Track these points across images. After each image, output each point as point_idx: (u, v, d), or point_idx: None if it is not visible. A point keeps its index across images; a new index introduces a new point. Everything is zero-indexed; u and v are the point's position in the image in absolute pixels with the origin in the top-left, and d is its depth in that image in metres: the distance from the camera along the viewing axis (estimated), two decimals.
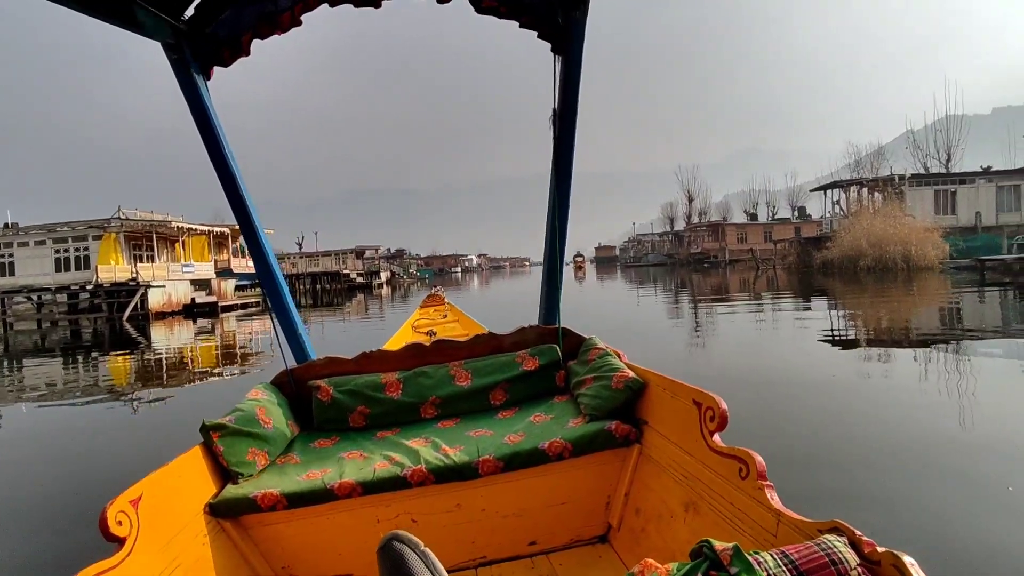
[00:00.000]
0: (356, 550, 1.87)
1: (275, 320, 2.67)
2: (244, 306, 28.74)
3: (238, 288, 37.84)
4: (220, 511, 1.79)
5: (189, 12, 2.21)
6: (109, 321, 21.94)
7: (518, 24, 2.38)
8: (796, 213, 64.82)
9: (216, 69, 2.37)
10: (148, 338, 17.66)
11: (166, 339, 16.85)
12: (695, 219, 74.49)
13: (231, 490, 1.84)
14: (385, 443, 2.18)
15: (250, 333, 17.31)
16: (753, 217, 68.11)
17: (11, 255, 30.31)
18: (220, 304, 25.57)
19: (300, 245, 77.12)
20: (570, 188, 2.66)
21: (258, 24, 2.24)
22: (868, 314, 12.74)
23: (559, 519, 2.01)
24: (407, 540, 1.17)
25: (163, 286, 24.13)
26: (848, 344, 8.95)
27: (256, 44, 2.33)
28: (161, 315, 23.89)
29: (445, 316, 6.25)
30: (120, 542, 1.37)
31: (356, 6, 2.24)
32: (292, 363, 2.60)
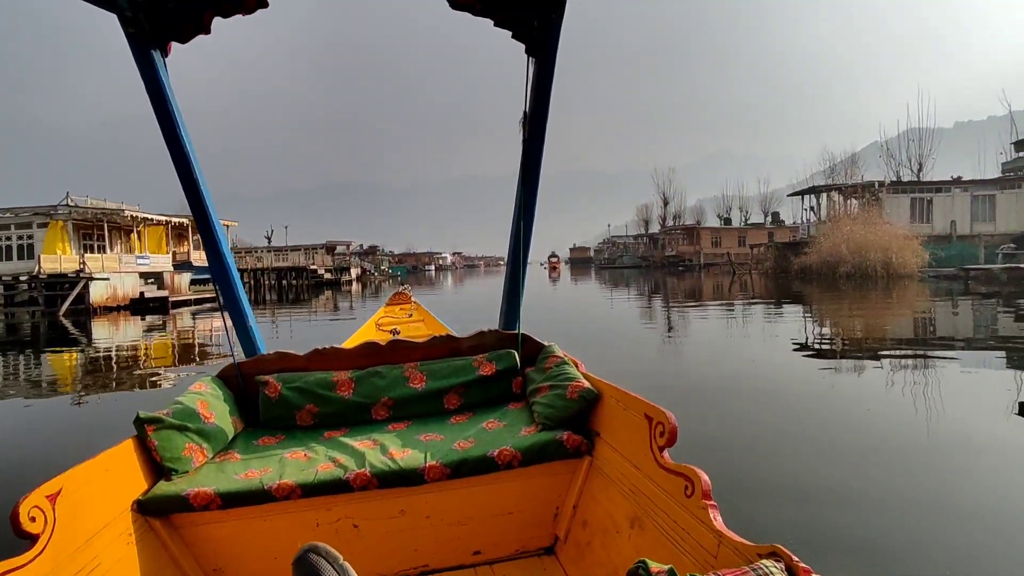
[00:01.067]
0: (293, 554, 1.70)
1: (224, 312, 2.58)
2: (198, 301, 27.07)
3: (195, 282, 36.11)
4: (149, 509, 1.71)
5: None
6: (46, 316, 20.29)
7: (493, 22, 2.32)
8: (770, 218, 65.24)
9: (174, 46, 2.26)
10: (88, 335, 16.29)
11: (108, 336, 15.49)
12: (670, 222, 74.60)
13: (163, 487, 1.77)
14: (332, 444, 2.10)
15: (204, 331, 16.04)
16: (727, 221, 68.46)
17: None
18: (171, 299, 23.94)
19: (269, 239, 75.01)
20: (537, 191, 2.59)
21: (220, 1, 2.13)
22: (853, 323, 12.18)
23: (505, 529, 1.97)
24: (325, 553, 1.12)
25: (107, 279, 22.41)
26: (829, 354, 8.33)
27: (230, 29, 2.30)
28: (105, 310, 22.23)
29: (410, 315, 6.16)
30: (33, 539, 1.31)
31: None
32: (241, 357, 2.50)
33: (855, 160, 46.22)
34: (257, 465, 1.95)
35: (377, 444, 2.06)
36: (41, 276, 21.54)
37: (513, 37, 2.37)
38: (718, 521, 1.30)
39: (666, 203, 77.20)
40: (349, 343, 3.13)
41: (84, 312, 20.94)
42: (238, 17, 2.20)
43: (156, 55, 2.21)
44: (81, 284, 21.07)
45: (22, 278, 22.02)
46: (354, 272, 59.12)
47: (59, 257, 24.42)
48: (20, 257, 27.23)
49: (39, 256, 24.38)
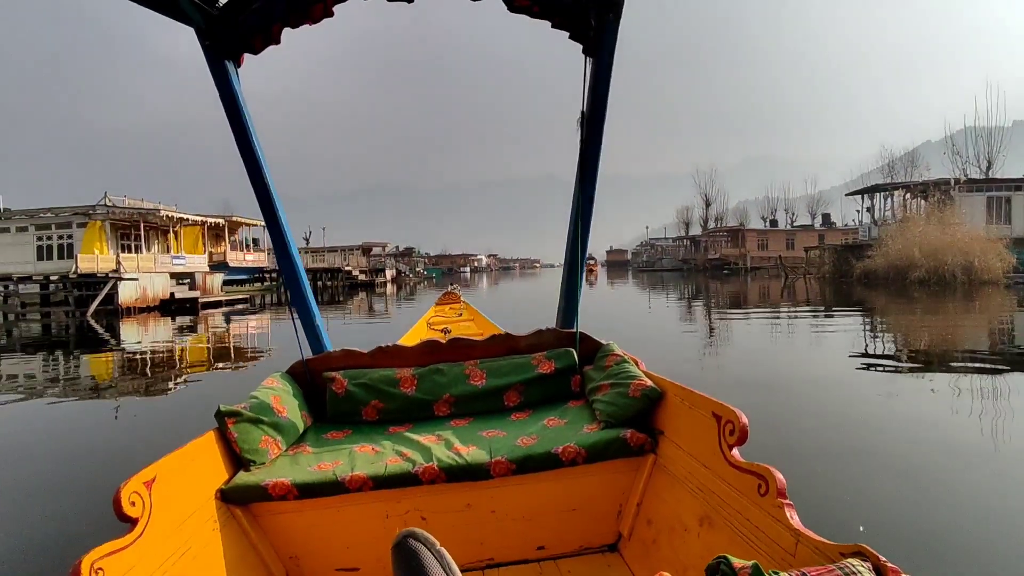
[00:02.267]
0: (364, 544, 1.87)
1: (293, 310, 2.65)
2: (230, 303, 26.67)
3: (227, 283, 35.98)
4: (231, 498, 1.77)
5: None
6: (76, 316, 20.01)
7: (551, 24, 2.35)
8: (819, 220, 62.30)
9: (246, 57, 2.35)
10: (117, 336, 15.79)
11: (137, 338, 14.95)
12: (711, 224, 72.10)
13: (243, 477, 1.83)
14: (397, 438, 2.15)
15: (237, 334, 15.34)
16: (773, 223, 65.72)
17: None
18: (201, 300, 23.51)
19: (307, 240, 75.55)
20: (595, 192, 2.61)
21: (290, 13, 2.21)
22: (948, 336, 10.57)
23: (569, 525, 1.97)
24: (423, 538, 1.15)
25: (135, 279, 22.07)
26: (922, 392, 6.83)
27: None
28: (134, 311, 21.87)
29: (460, 315, 6.23)
30: (133, 523, 1.36)
31: (389, 0, 2.25)
32: (308, 354, 2.56)
33: (914, 158, 43.48)
34: (328, 458, 1.98)
35: (441, 439, 2.08)
36: (71, 276, 21.31)
37: (570, 38, 2.38)
38: (795, 520, 1.27)
39: (708, 204, 74.62)
40: (404, 341, 3.08)
41: (113, 313, 20.62)
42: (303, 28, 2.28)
43: (230, 66, 2.28)
44: (110, 285, 20.73)
45: (52, 278, 21.81)
46: (389, 274, 58.77)
47: (96, 257, 24.30)
48: (60, 256, 27.34)
49: (76, 256, 24.38)
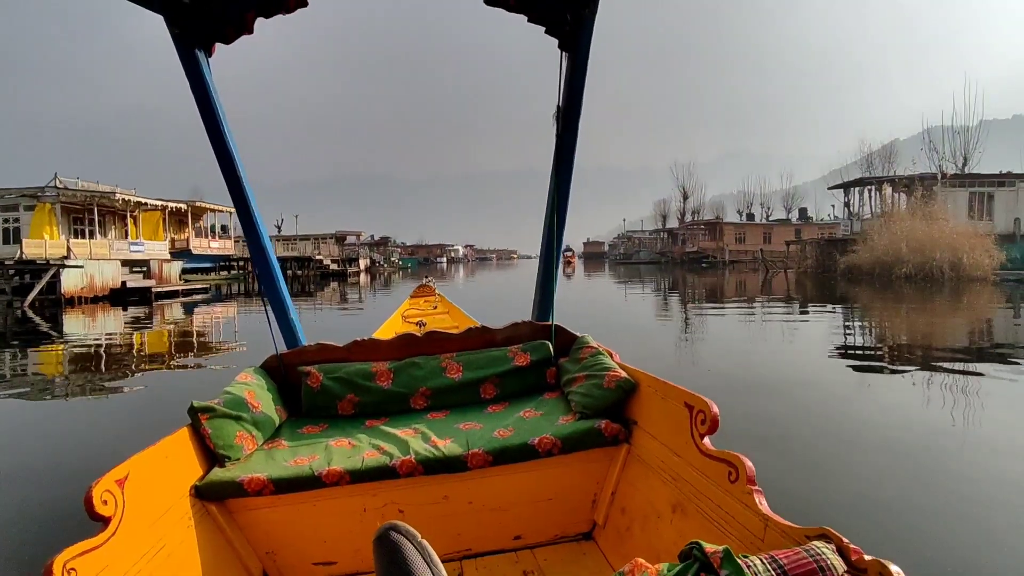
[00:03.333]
0: (341, 538, 1.89)
1: (267, 303, 2.62)
2: (187, 292, 25.12)
3: (191, 271, 34.24)
4: (206, 494, 1.76)
5: None
6: (11, 307, 18.45)
7: (527, 19, 2.36)
8: (796, 214, 62.52)
9: (218, 46, 2.32)
10: (58, 329, 14.47)
11: (78, 331, 13.67)
12: (689, 217, 71.95)
13: (218, 473, 1.81)
14: (374, 432, 2.14)
15: (193, 328, 14.13)
16: (749, 217, 65.81)
17: None
18: (155, 290, 22.01)
19: (279, 228, 73.39)
20: (570, 185, 2.61)
21: (263, 2, 2.18)
22: (945, 334, 9.99)
23: (545, 515, 2.00)
24: (405, 531, 1.14)
25: (80, 266, 20.46)
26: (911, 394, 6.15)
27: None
28: (82, 301, 20.30)
29: (435, 307, 6.18)
30: (105, 522, 1.35)
31: None
32: (282, 347, 2.55)
33: (892, 152, 43.53)
34: (305, 452, 1.98)
35: (418, 432, 2.08)
36: (7, 263, 19.69)
37: (547, 32, 2.39)
38: (764, 505, 1.30)
39: (686, 197, 74.48)
40: (379, 334, 3.05)
41: (56, 303, 19.07)
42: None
43: (200, 55, 2.25)
44: (51, 272, 19.15)
45: None
46: (363, 263, 57.26)
47: (44, 242, 22.61)
48: (7, 241, 25.47)
49: (22, 241, 22.68)
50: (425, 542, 1.15)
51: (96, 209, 27.22)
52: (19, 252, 21.68)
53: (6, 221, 26.46)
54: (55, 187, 26.26)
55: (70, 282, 19.72)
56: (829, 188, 36.28)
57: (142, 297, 21.35)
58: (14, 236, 25.10)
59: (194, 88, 2.26)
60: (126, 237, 28.85)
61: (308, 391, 2.36)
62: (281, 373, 2.43)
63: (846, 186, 33.80)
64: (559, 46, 2.40)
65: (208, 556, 1.65)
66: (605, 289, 25.52)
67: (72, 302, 19.76)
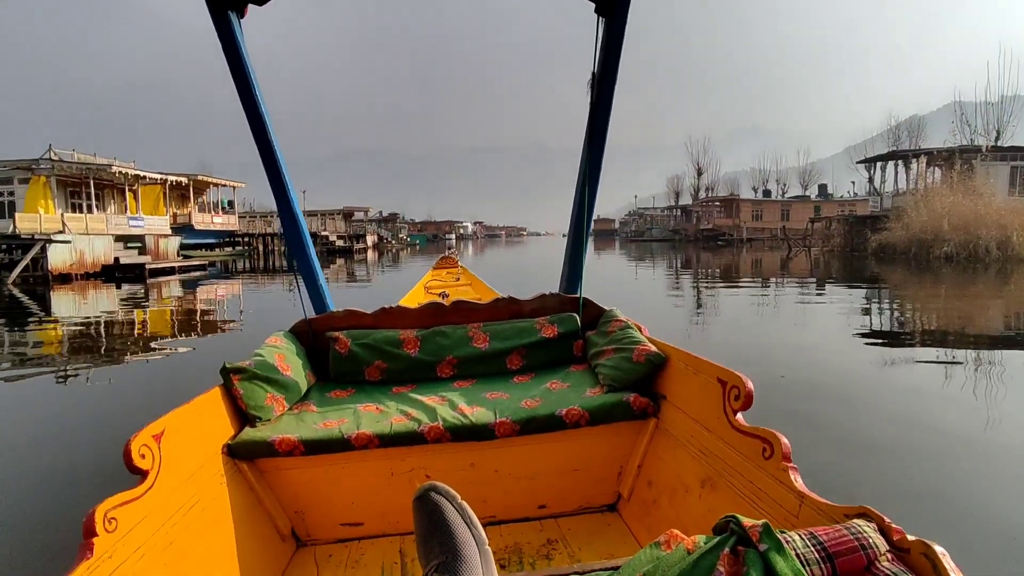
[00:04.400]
0: (368, 500, 1.91)
1: (296, 269, 2.67)
2: (184, 269, 24.19)
3: (194, 247, 33.32)
4: (238, 452, 1.78)
5: None
6: None
7: None
8: (816, 190, 60.68)
9: (251, 8, 2.30)
10: (47, 307, 13.63)
11: (61, 311, 12.79)
12: (703, 194, 70.17)
13: (249, 432, 1.84)
14: (401, 398, 2.16)
15: (189, 307, 13.22)
16: (766, 193, 64.03)
17: None
18: (149, 266, 21.08)
19: None
20: (603, 155, 2.58)
21: None
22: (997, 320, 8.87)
23: (570, 485, 2.01)
24: (445, 492, 1.14)
25: (68, 241, 19.52)
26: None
27: None
28: (72, 278, 19.40)
29: (458, 279, 6.28)
30: (143, 475, 1.37)
31: None
32: (311, 313, 2.57)
33: (918, 125, 41.75)
34: (333, 416, 1.99)
35: (445, 400, 2.09)
36: None
37: None
38: (799, 482, 1.27)
39: (700, 173, 72.63)
40: (405, 303, 2.98)
41: (42, 281, 18.20)
42: None
43: (233, 17, 2.21)
44: (37, 248, 18.23)
45: None
46: (370, 240, 56.24)
47: (39, 217, 21.74)
48: (1, 216, 24.73)
49: (15, 215, 21.80)
50: (465, 503, 1.14)
51: (93, 183, 26.29)
52: (12, 226, 20.87)
53: (1, 195, 25.63)
54: (50, 159, 25.36)
55: (58, 258, 18.80)
56: (857, 162, 34.70)
57: (136, 274, 20.44)
58: (9, 210, 24.28)
59: (227, 51, 2.22)
60: (125, 212, 27.96)
61: (336, 356, 2.36)
62: (310, 337, 2.44)
63: (877, 159, 32.18)
64: (596, 11, 2.33)
65: (239, 513, 1.68)
66: (616, 267, 24.40)
67: (62, 279, 18.92)
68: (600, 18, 2.33)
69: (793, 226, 48.92)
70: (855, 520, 0.98)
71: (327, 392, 2.25)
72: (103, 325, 10.42)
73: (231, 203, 42.67)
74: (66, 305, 13.82)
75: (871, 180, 37.03)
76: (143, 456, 1.38)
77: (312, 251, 2.68)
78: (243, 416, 1.90)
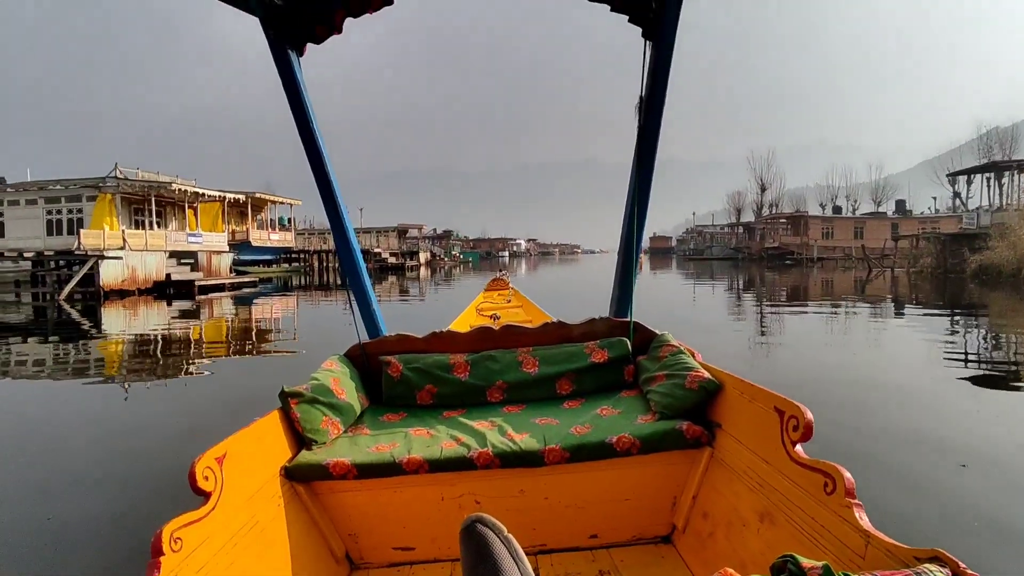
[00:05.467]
0: (420, 525, 1.91)
1: (350, 293, 2.70)
2: (235, 286, 24.16)
3: (251, 263, 33.73)
4: (295, 475, 1.81)
5: None
6: (52, 299, 17.79)
7: (609, 8, 2.35)
8: (893, 206, 56.82)
9: (309, 46, 2.45)
10: (97, 323, 13.49)
11: (109, 328, 12.56)
12: (767, 211, 67.00)
13: (306, 456, 1.87)
14: (451, 423, 2.16)
15: (237, 327, 12.77)
16: (836, 210, 60.43)
17: (1, 215, 27.12)
18: (199, 283, 21.04)
19: None
20: (652, 177, 2.56)
21: (351, 1, 2.25)
22: None
23: (622, 515, 1.96)
24: (491, 524, 1.14)
25: (119, 257, 19.65)
26: None
27: None
28: (124, 294, 19.47)
29: (509, 301, 6.35)
30: (206, 496, 1.40)
31: None
32: (364, 337, 2.61)
33: (1013, 135, 38.39)
34: (386, 440, 2.00)
35: (495, 425, 2.08)
36: (47, 253, 19.11)
37: (630, 21, 2.36)
38: (865, 520, 1.22)
39: (763, 189, 69.44)
40: (455, 327, 3.08)
41: (94, 297, 18.31)
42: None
43: (293, 55, 2.33)
44: (89, 264, 18.40)
45: (27, 255, 19.58)
46: (423, 257, 56.28)
47: (103, 233, 22.26)
48: (71, 232, 25.53)
49: (79, 231, 22.38)
50: (511, 536, 1.13)
51: (154, 200, 26.92)
52: (77, 242, 21.37)
53: (71, 212, 26.59)
54: (115, 177, 26.12)
55: (110, 274, 18.95)
56: (948, 175, 31.78)
57: (186, 291, 20.43)
58: (77, 227, 25.04)
59: (286, 87, 2.33)
60: (185, 228, 28.53)
61: (388, 380, 2.39)
62: (363, 361, 2.47)
63: (972, 172, 29.21)
64: (643, 35, 2.34)
65: (296, 534, 1.70)
66: (673, 288, 22.84)
67: (113, 295, 19.05)
68: (647, 42, 2.33)
69: (867, 244, 45.69)
70: (926, 564, 0.94)
71: (380, 416, 2.28)
72: (147, 343, 9.96)
73: (290, 220, 43.48)
74: (115, 322, 13.65)
75: (957, 195, 33.99)
76: (206, 478, 1.41)
77: (365, 276, 2.72)
78: (300, 439, 1.94)
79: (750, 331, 10.69)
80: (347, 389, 2.19)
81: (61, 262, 19.33)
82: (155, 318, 14.42)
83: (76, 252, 19.35)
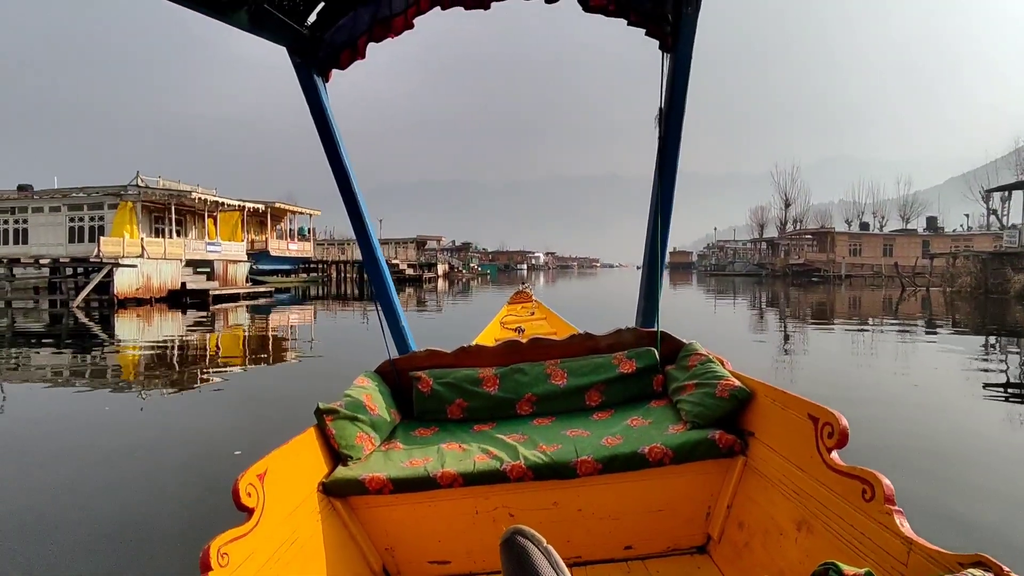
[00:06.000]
0: (455, 538, 1.93)
1: (379, 310, 2.71)
2: (250, 296, 23.95)
3: (269, 273, 33.67)
4: (332, 490, 1.85)
5: (312, 18, 2.31)
6: (67, 307, 17.67)
7: (626, 22, 2.35)
8: (924, 223, 55.27)
9: (333, 72, 2.46)
10: (111, 331, 13.27)
11: (119, 336, 12.30)
12: (791, 227, 65.65)
13: (342, 471, 1.90)
14: (482, 436, 2.19)
15: (248, 337, 12.43)
16: (863, 226, 58.95)
17: (25, 221, 27.38)
18: (213, 292, 20.84)
19: None
20: (674, 188, 2.58)
21: (374, 28, 2.31)
22: None
23: (656, 526, 1.97)
24: (531, 536, 1.16)
25: (134, 265, 19.51)
26: None
27: None
28: (139, 302, 19.29)
29: (532, 313, 6.40)
30: (249, 512, 1.43)
31: (467, 8, 2.29)
32: (394, 353, 2.64)
33: None
34: (419, 454, 2.03)
35: (526, 438, 2.10)
36: (62, 260, 19.04)
37: (647, 35, 2.38)
38: (906, 527, 1.21)
39: (787, 205, 68.17)
40: (481, 340, 3.11)
41: (108, 305, 18.15)
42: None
43: (319, 81, 2.40)
44: (104, 272, 18.27)
45: (43, 261, 19.52)
46: (440, 269, 56.01)
47: (123, 241, 22.25)
48: (92, 239, 25.58)
49: (99, 239, 22.39)
50: (551, 547, 1.14)
51: (174, 208, 26.97)
52: (97, 250, 21.35)
53: (92, 219, 26.73)
54: (136, 185, 26.22)
55: (124, 282, 18.82)
56: (988, 191, 30.63)
57: (200, 300, 20.23)
58: (99, 235, 25.13)
59: (313, 110, 2.41)
60: (208, 237, 28.55)
61: (419, 395, 2.42)
62: (394, 377, 2.50)
63: (1014, 188, 27.94)
64: (660, 47, 2.38)
65: (334, 549, 1.73)
66: (693, 303, 22.10)
67: (127, 303, 18.86)
68: (664, 54, 2.37)
69: (898, 261, 44.35)
70: (970, 569, 0.94)
71: (412, 431, 2.29)
72: (158, 355, 9.62)
73: (311, 230, 43.53)
74: (128, 330, 13.41)
75: (992, 212, 32.80)
76: (249, 495, 1.44)
77: (394, 292, 2.73)
78: (335, 455, 1.97)
79: (805, 358, 10.02)
80: (379, 405, 2.24)
81: (79, 269, 19.24)
82: (168, 327, 14.15)
83: (92, 259, 19.26)
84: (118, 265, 18.64)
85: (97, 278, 18.19)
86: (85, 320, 15.04)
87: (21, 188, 28.22)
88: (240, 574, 1.31)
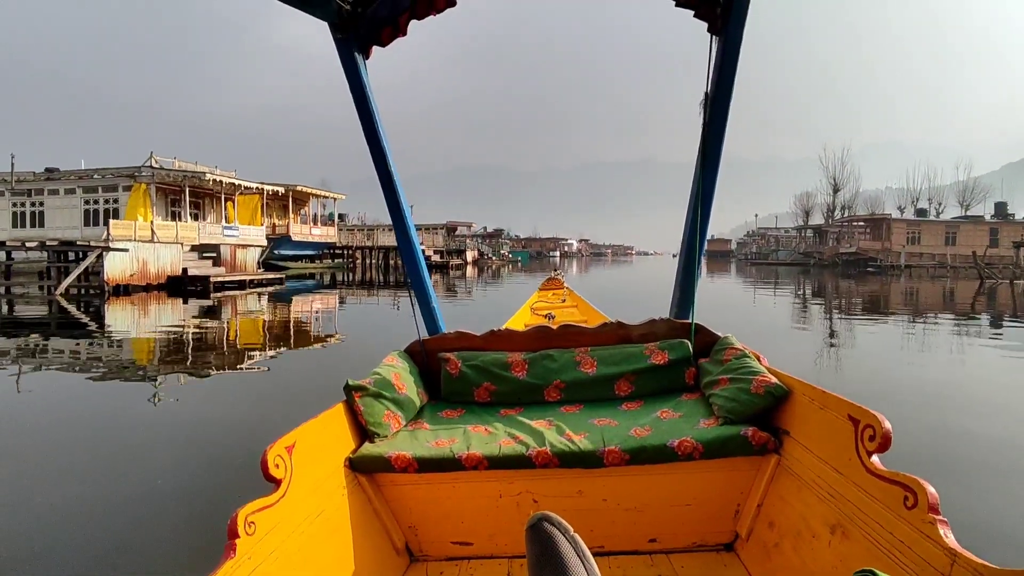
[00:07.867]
0: (478, 521, 1.93)
1: (411, 291, 2.74)
2: (258, 283, 22.59)
3: (288, 258, 32.60)
4: (358, 466, 1.86)
5: None
6: (52, 293, 16.58)
7: (674, 3, 2.35)
8: (992, 209, 51.14)
9: (375, 49, 2.46)
10: (100, 320, 12.08)
11: (123, 326, 11.04)
12: (839, 213, 61.83)
13: (368, 448, 1.91)
14: (509, 421, 2.18)
15: (261, 332, 11.02)
16: (920, 213, 55.02)
17: (42, 204, 26.78)
18: (214, 280, 19.56)
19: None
20: (716, 176, 2.53)
21: (416, 4, 2.30)
22: None
23: (683, 520, 1.93)
24: (557, 523, 1.15)
25: (126, 249, 18.28)
26: None
27: None
28: (127, 289, 18.05)
29: (564, 300, 6.33)
30: (277, 483, 1.45)
31: None
32: (424, 334, 2.65)
33: None
34: (445, 435, 2.03)
35: (553, 425, 2.08)
36: (50, 244, 17.96)
37: (695, 16, 2.35)
38: (951, 538, 1.16)
39: (836, 190, 64.23)
40: (511, 325, 3.05)
41: (98, 292, 17.02)
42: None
43: (359, 58, 2.40)
44: (93, 256, 17.11)
45: (29, 245, 18.46)
46: (470, 255, 54.48)
47: (134, 224, 21.25)
48: (107, 222, 24.89)
49: (109, 222, 21.45)
50: (577, 536, 1.13)
51: (191, 191, 25.96)
52: (106, 233, 20.39)
53: (107, 202, 25.95)
54: (150, 167, 25.28)
55: (116, 268, 17.62)
56: None
57: (202, 289, 18.99)
58: (114, 216, 24.30)
59: (352, 88, 2.40)
60: (226, 221, 27.53)
61: (447, 377, 2.42)
62: (423, 358, 2.50)
63: None
64: (708, 30, 2.33)
65: (358, 524, 1.74)
66: (732, 293, 19.92)
67: (120, 291, 17.66)
68: (713, 37, 2.31)
69: (959, 251, 40.82)
70: None
71: (439, 411, 2.30)
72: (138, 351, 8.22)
73: (341, 216, 42.44)
74: (114, 320, 12.18)
75: None
76: (277, 466, 1.46)
77: (426, 274, 2.74)
78: (363, 431, 1.98)
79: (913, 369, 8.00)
80: (407, 384, 2.24)
81: (70, 255, 18.20)
82: (154, 319, 12.86)
83: (79, 244, 18.18)
84: (108, 249, 17.48)
85: (85, 263, 17.08)
86: (69, 308, 13.90)
87: (48, 171, 27.57)
88: (266, 543, 1.33)
